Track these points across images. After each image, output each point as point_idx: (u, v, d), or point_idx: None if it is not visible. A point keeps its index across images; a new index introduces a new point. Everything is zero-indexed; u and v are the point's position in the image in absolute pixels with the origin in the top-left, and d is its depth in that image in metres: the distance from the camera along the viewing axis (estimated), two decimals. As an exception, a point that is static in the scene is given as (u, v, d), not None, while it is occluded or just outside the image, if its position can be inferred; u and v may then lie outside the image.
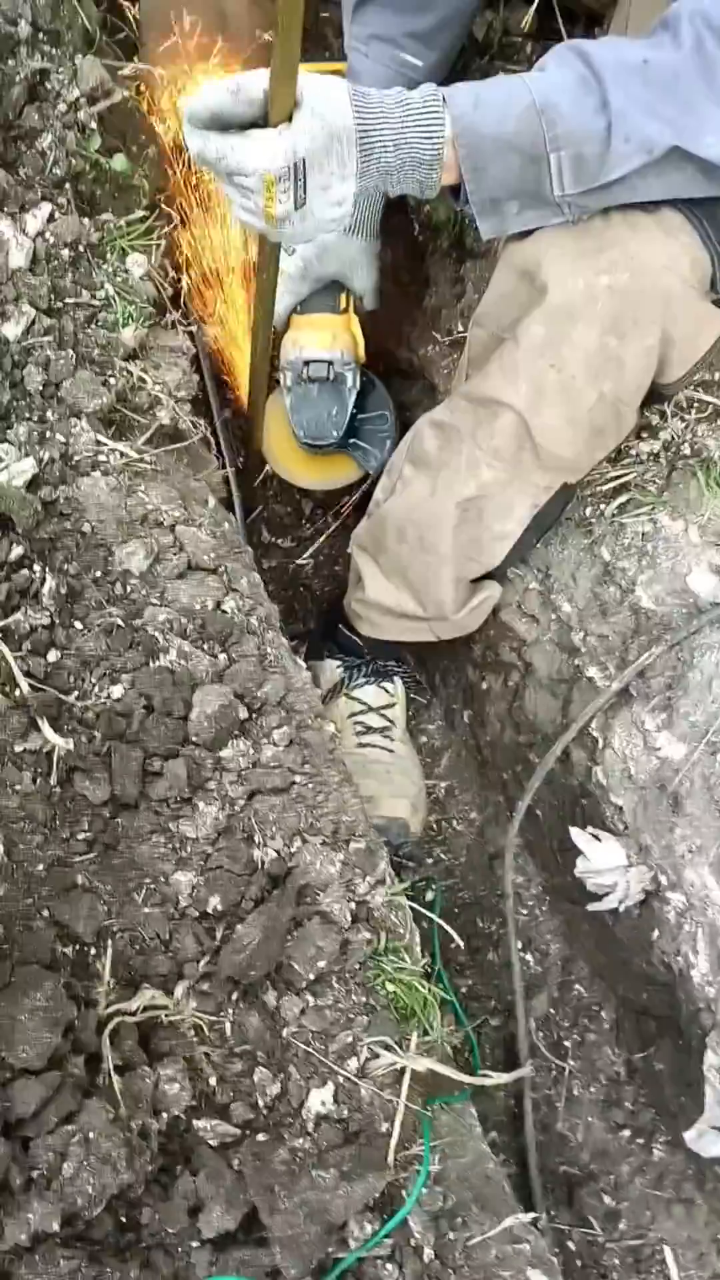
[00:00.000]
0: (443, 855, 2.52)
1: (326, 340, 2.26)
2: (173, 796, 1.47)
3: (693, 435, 2.08)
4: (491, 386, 1.82)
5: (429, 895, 2.39)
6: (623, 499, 2.06)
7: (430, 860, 2.50)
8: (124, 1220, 1.23)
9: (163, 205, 2.05)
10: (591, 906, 1.99)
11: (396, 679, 2.41)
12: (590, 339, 1.70)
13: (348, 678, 2.37)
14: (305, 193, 1.50)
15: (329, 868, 1.51)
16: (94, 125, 1.86)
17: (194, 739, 1.50)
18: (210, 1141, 1.33)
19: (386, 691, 2.38)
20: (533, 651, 2.25)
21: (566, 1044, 2.29)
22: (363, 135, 1.51)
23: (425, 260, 2.56)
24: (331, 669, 2.38)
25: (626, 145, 1.54)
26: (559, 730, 2.18)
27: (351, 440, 2.42)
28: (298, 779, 1.55)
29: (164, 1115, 1.31)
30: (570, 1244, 2.08)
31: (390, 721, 2.37)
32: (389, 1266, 1.31)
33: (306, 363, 2.26)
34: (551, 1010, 2.32)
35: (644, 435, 2.08)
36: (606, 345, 1.71)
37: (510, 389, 1.79)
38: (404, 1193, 1.38)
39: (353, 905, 1.51)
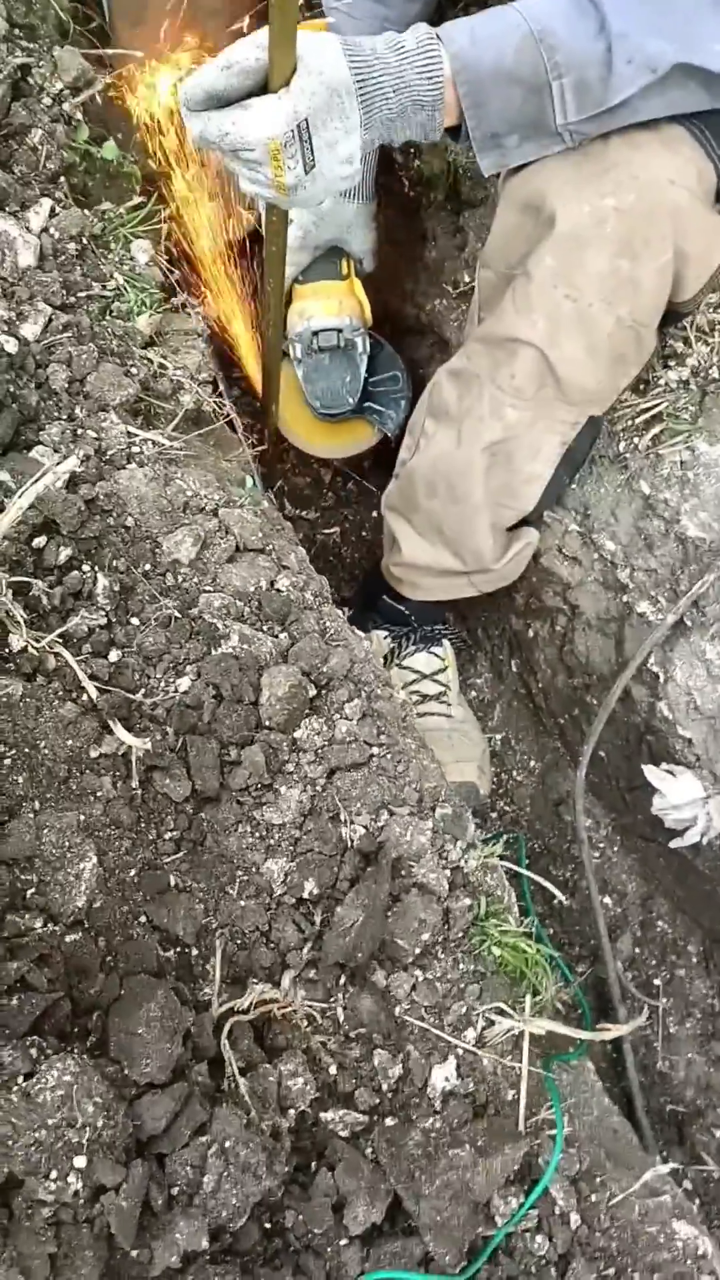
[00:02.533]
0: (506, 808, 2.49)
1: (333, 308, 2.22)
2: (253, 784, 1.43)
3: (719, 358, 2.03)
4: (507, 325, 1.77)
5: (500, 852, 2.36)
6: (656, 430, 2.01)
7: (494, 815, 2.47)
8: (268, 1227, 1.20)
9: (159, 186, 2.01)
10: (674, 843, 1.96)
11: (444, 642, 2.37)
12: (602, 263, 1.65)
13: (397, 648, 2.34)
14: (313, 154, 1.45)
15: (419, 837, 1.47)
16: (80, 116, 1.81)
17: (267, 723, 1.46)
18: (341, 1133, 1.30)
19: (437, 656, 2.35)
20: (578, 593, 2.21)
21: (656, 982, 2.27)
22: (361, 85, 1.46)
23: (421, 215, 2.50)
24: (379, 640, 2.35)
25: (629, 67, 1.49)
26: (615, 670, 2.14)
27: (366, 404, 2.38)
28: (375, 751, 1.51)
29: (291, 1112, 1.28)
30: (687, 1183, 2.06)
31: (444, 686, 2.34)
32: (538, 1239, 1.29)
33: (315, 333, 2.22)
34: (637, 950, 2.30)
35: (671, 363, 2.03)
36: (619, 268, 1.66)
37: (526, 325, 1.74)
38: (539, 1160, 1.35)
39: (448, 873, 1.47)
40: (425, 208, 2.51)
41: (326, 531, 2.76)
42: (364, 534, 2.75)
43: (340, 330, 2.22)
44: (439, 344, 2.51)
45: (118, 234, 1.78)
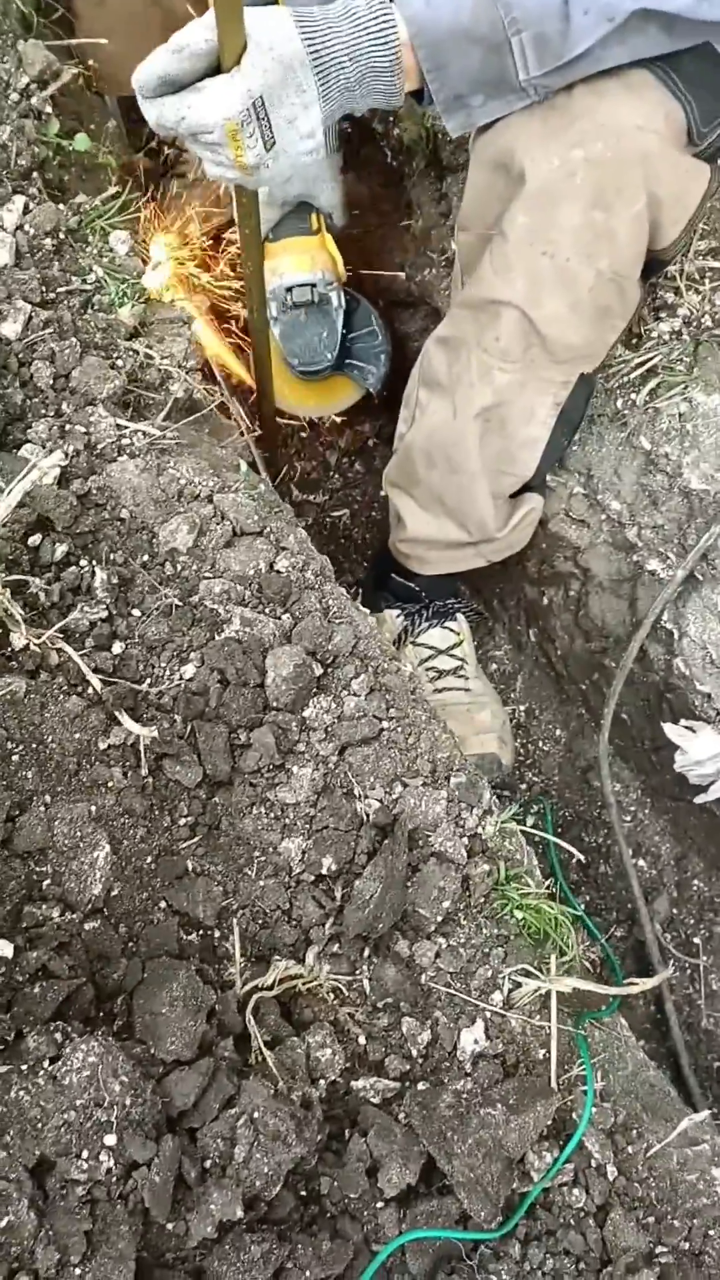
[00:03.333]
0: (534, 778, 2.49)
1: (305, 263, 2.21)
2: (265, 766, 1.44)
3: (711, 306, 2.01)
4: (486, 288, 1.76)
5: (529, 821, 2.37)
6: (652, 384, 2.00)
7: (524, 785, 2.47)
8: (304, 1194, 1.22)
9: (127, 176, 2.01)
10: (699, 799, 1.96)
11: (458, 615, 2.37)
12: (576, 217, 1.63)
13: (410, 625, 2.34)
14: (272, 131, 1.45)
15: (434, 807, 1.48)
16: (49, 110, 1.81)
17: (275, 704, 1.47)
18: (373, 1099, 1.31)
19: (451, 631, 2.34)
20: (588, 556, 2.20)
21: (695, 940, 2.27)
22: (315, 56, 1.45)
23: (404, 184, 2.49)
24: (393, 619, 2.35)
25: (586, 17, 1.47)
26: (630, 630, 2.14)
27: (346, 361, 2.38)
28: (385, 725, 1.52)
29: (321, 1082, 1.30)
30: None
31: (461, 660, 2.34)
32: (575, 1191, 1.30)
33: (289, 289, 2.21)
34: (674, 910, 2.30)
35: (662, 315, 2.02)
36: (594, 220, 1.64)
37: (505, 285, 1.73)
38: (574, 1115, 1.36)
39: (466, 840, 1.48)
40: (408, 177, 2.50)
41: (335, 514, 2.76)
42: (373, 514, 2.75)
43: (314, 285, 2.21)
44: (432, 314, 2.51)
45: (95, 226, 1.79)
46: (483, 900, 1.47)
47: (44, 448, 1.49)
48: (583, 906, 2.29)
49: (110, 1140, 1.07)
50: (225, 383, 2.24)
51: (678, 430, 1.96)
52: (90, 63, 2.01)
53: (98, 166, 1.93)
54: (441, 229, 2.39)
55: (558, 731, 2.52)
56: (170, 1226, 1.10)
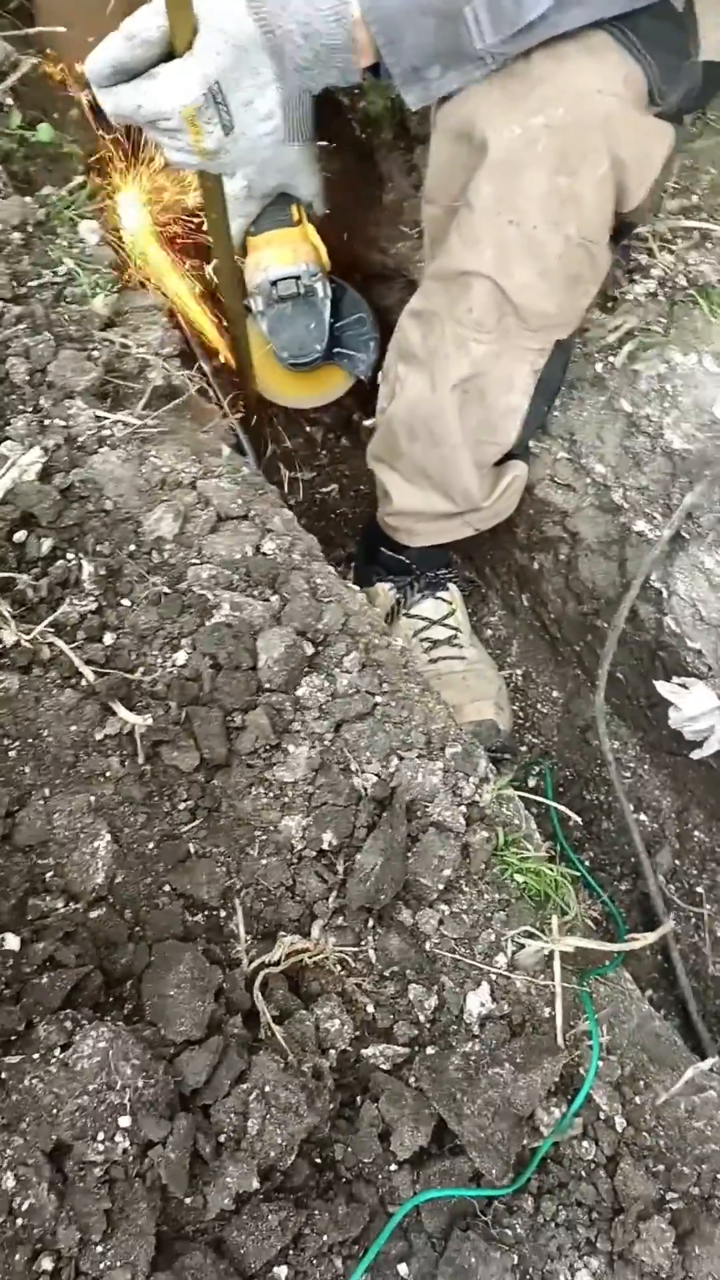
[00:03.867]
0: (534, 740, 2.52)
1: (288, 255, 2.21)
2: (261, 746, 1.46)
3: (685, 265, 2.02)
4: (456, 259, 1.76)
5: (530, 783, 2.39)
6: (630, 346, 2.01)
7: (524, 748, 2.49)
8: (319, 1161, 1.24)
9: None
10: (695, 754, 1.98)
11: (450, 585, 2.38)
12: (541, 184, 1.63)
13: (403, 598, 2.35)
14: (230, 114, 1.45)
15: (431, 778, 1.50)
16: (10, 101, 1.81)
17: (267, 686, 1.49)
18: (383, 1066, 1.34)
19: (444, 601, 2.36)
20: (576, 520, 2.22)
21: (699, 890, 2.30)
22: (269, 37, 1.45)
23: (374, 158, 2.49)
24: (385, 592, 2.36)
25: None
26: (621, 591, 2.15)
27: (336, 350, 2.38)
28: (379, 700, 1.54)
29: (331, 1052, 1.32)
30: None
31: (454, 629, 2.35)
32: (585, 1144, 1.33)
33: (274, 283, 2.21)
34: (677, 862, 2.33)
35: (636, 277, 2.03)
36: (559, 186, 1.64)
37: (474, 256, 1.73)
38: (581, 1070, 1.39)
39: (463, 809, 1.50)
40: (377, 150, 2.50)
41: (324, 490, 2.78)
42: (361, 488, 2.76)
43: (298, 277, 2.21)
44: (408, 286, 2.50)
45: (63, 217, 1.79)
46: (483, 866, 1.49)
47: (23, 444, 1.50)
48: (586, 863, 2.32)
49: (125, 1121, 1.10)
50: (205, 360, 2.25)
51: (657, 391, 1.97)
52: (48, 50, 2.00)
53: (64, 156, 1.93)
54: (414, 200, 2.39)
55: (554, 693, 2.54)
56: (188, 1201, 1.13)
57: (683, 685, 1.96)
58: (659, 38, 1.63)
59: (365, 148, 2.51)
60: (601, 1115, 1.36)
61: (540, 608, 2.50)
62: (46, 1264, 1.02)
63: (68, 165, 1.91)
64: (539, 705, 2.55)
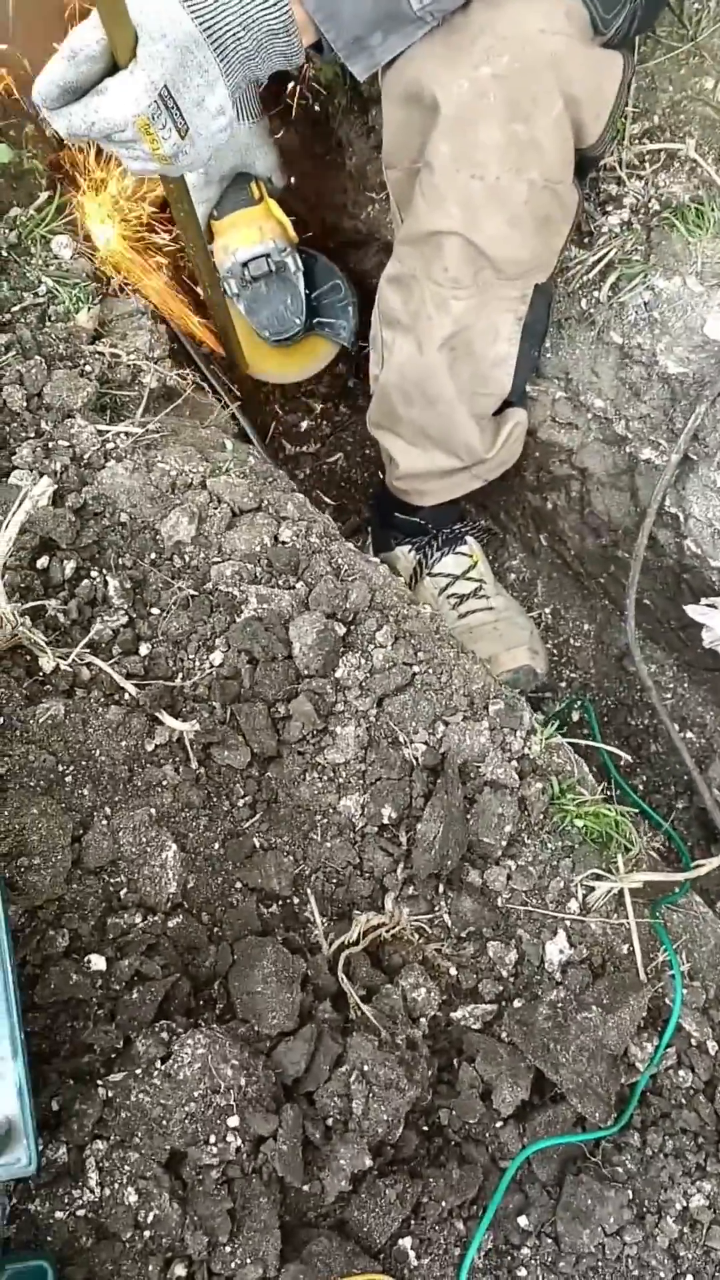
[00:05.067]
0: (571, 674, 2.53)
1: (254, 235, 2.21)
2: (309, 733, 1.48)
3: (656, 189, 1.99)
4: (424, 221, 1.75)
5: (573, 718, 2.40)
6: (612, 278, 1.99)
7: (563, 684, 2.51)
8: (426, 1130, 1.28)
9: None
10: (733, 672, 1.99)
11: (468, 539, 2.39)
12: (497, 134, 1.62)
13: (423, 558, 2.36)
14: (183, 117, 1.44)
15: (479, 739, 1.52)
16: (-38, 124, 1.81)
17: (306, 672, 1.51)
18: (474, 1026, 1.37)
19: (465, 555, 2.37)
20: (583, 456, 2.21)
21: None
22: (209, 33, 1.44)
23: (331, 124, 2.47)
24: (405, 555, 2.37)
25: None
26: (637, 520, 2.15)
27: (316, 320, 2.38)
28: (416, 669, 1.55)
29: (422, 1020, 1.35)
30: None
31: (478, 580, 2.36)
32: (682, 1073, 1.35)
33: (244, 264, 2.21)
34: (731, 772, 2.33)
35: (609, 208, 2.01)
36: (515, 134, 1.62)
37: (442, 216, 1.72)
38: (667, 1000, 1.41)
39: (515, 764, 1.52)
40: (333, 116, 2.47)
41: (330, 460, 2.78)
42: (367, 452, 2.76)
43: (268, 255, 2.21)
44: (384, 249, 2.49)
45: (35, 236, 1.79)
46: (542, 817, 1.51)
47: (32, 471, 1.51)
48: (640, 787, 2.34)
49: (234, 1121, 1.13)
50: (196, 353, 2.26)
51: (645, 319, 1.95)
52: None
53: (26, 173, 1.92)
54: (376, 163, 2.36)
55: (585, 626, 2.55)
56: (306, 1188, 1.16)
57: (711, 605, 1.97)
58: None
59: (322, 115, 2.49)
60: (693, 1041, 1.38)
61: (559, 545, 2.50)
62: (180, 1270, 1.06)
63: (31, 182, 1.91)
64: (572, 640, 2.56)
